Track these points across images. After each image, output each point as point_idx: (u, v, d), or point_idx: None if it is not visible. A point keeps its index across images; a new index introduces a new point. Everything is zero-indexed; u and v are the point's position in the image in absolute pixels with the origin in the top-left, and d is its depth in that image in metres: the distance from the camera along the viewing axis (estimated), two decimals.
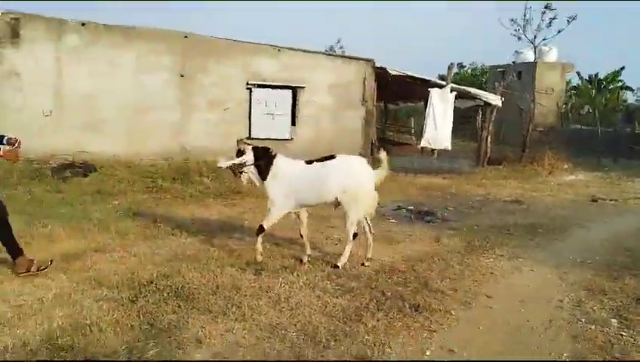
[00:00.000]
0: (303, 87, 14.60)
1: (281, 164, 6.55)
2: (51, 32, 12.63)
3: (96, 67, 13.00)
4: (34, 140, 12.35)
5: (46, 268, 5.75)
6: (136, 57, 13.30)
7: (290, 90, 14.52)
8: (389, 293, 5.61)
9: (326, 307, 5.19)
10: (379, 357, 4.19)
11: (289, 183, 6.46)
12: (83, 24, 12.83)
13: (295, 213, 6.80)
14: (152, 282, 5.57)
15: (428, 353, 4.32)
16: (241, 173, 6.69)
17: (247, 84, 14.11)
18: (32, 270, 5.67)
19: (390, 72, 15.33)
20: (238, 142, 6.75)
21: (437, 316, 5.05)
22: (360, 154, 14.85)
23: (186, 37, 13.58)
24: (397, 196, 11.71)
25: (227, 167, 6.74)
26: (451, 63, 16.82)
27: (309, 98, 14.75)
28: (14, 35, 12.38)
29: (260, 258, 6.49)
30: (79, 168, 12.14)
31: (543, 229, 8.95)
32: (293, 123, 14.69)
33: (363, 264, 6.59)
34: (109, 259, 6.44)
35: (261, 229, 6.55)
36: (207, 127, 13.99)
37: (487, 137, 17.20)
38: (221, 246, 7.19)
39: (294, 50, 14.51)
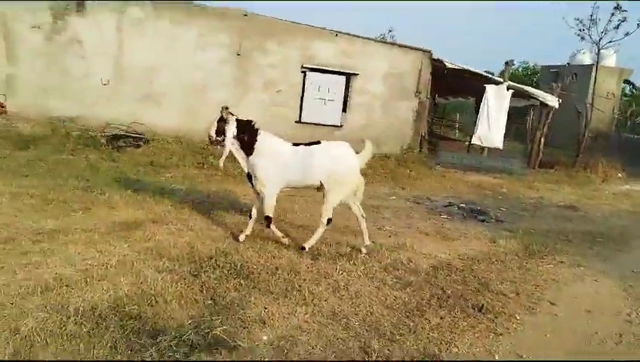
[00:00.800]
0: (357, 74, 14.42)
1: (267, 140, 6.32)
2: (115, 2, 12.77)
3: (156, 41, 13.12)
4: (91, 108, 12.65)
5: None
6: (196, 34, 13.36)
7: (344, 77, 14.36)
8: (450, 291, 5.49)
9: (386, 299, 5.11)
10: (446, 356, 4.08)
11: (275, 161, 6.26)
12: None
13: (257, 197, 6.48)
14: (211, 258, 5.60)
15: (497, 357, 4.19)
16: (221, 144, 6.33)
17: (302, 67, 14.03)
18: None
19: (447, 64, 14.97)
20: (222, 109, 6.34)
21: (501, 319, 4.91)
22: (409, 147, 14.79)
23: (245, 15, 13.55)
24: (447, 192, 11.50)
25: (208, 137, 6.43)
26: (509, 60, 16.35)
27: (362, 85, 14.56)
28: (79, 2, 12.58)
29: (286, 241, 6.39)
30: (132, 139, 12.33)
31: (603, 238, 8.62)
32: (344, 110, 14.54)
33: (360, 251, 6.39)
34: (167, 231, 6.49)
35: (268, 220, 6.41)
36: (259, 108, 13.96)
37: (540, 139, 16.69)
38: (277, 226, 7.14)
39: (351, 35, 14.32)
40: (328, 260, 5.98)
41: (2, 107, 5.86)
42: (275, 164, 6.23)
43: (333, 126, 14.42)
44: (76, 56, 12.72)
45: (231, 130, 6.30)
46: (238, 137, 6.32)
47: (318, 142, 6.39)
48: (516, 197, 11.96)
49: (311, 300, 4.84)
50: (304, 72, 14.10)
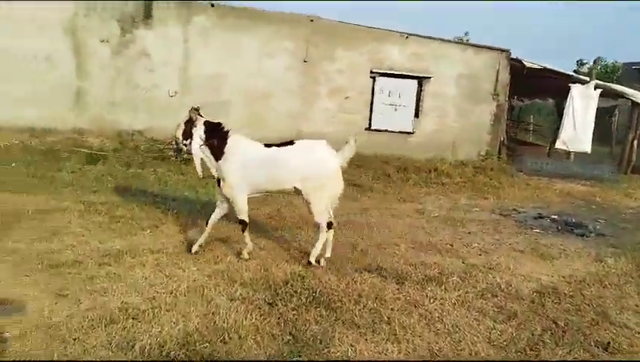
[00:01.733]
0: (430, 78, 13.65)
1: (236, 141, 5.69)
2: (181, 12, 12.66)
3: (221, 50, 12.92)
4: (159, 120, 12.54)
5: None
6: (260, 41, 13.05)
7: (416, 80, 13.62)
8: (563, 323, 4.67)
9: (490, 334, 4.37)
10: None
11: (246, 164, 5.60)
12: (212, 5, 12.74)
13: (222, 200, 5.89)
14: (287, 283, 5.05)
15: None
16: (185, 146, 5.77)
17: (371, 72, 13.41)
18: None
19: (526, 64, 13.92)
20: (190, 110, 5.79)
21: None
22: (487, 153, 13.82)
23: (312, 21, 13.11)
24: (535, 202, 10.49)
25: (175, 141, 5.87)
26: (597, 58, 15.07)
27: (435, 89, 13.77)
28: (147, 15, 12.55)
29: (246, 256, 5.73)
30: None
31: None
32: (416, 115, 13.78)
33: (318, 261, 5.68)
34: (237, 251, 6.02)
35: (244, 224, 5.80)
36: (326, 116, 13.48)
37: (632, 142, 15.22)
38: (351, 246, 6.57)
39: (423, 37, 13.59)
40: (416, 285, 5.29)
41: None
42: (243, 167, 5.60)
43: (405, 132, 13.70)
44: (144, 68, 12.68)
45: (198, 133, 5.70)
46: (207, 142, 5.70)
47: (291, 142, 5.71)
48: (613, 207, 10.77)
49: (403, 335, 4.18)
50: (373, 77, 13.47)
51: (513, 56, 13.96)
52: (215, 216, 5.96)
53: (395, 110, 13.62)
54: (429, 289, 5.18)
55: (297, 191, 5.66)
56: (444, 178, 11.78)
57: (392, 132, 13.62)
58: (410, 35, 13.51)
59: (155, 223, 6.84)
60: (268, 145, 5.70)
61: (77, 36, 12.31)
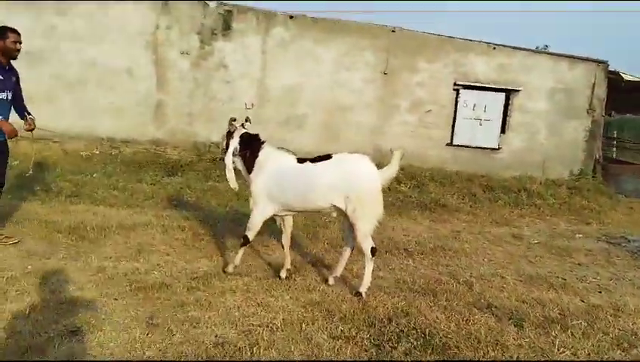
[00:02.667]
0: (518, 91, 12.79)
1: (269, 154, 5.33)
2: (260, 24, 12.48)
3: (299, 62, 12.63)
4: None
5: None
6: (339, 53, 12.67)
7: (503, 93, 12.80)
8: None
9: None
10: None
11: (275, 179, 5.15)
12: (291, 17, 12.50)
13: (280, 217, 5.49)
14: (391, 320, 4.52)
15: None
16: (221, 159, 5.59)
17: (455, 84, 12.72)
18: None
19: (624, 77, 12.81)
20: (229, 121, 5.59)
21: None
22: (580, 172, 12.78)
23: (393, 31, 12.61)
24: None
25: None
26: None
27: (524, 103, 12.89)
28: (226, 27, 12.46)
29: (231, 270, 5.38)
30: None
31: None
32: (503, 130, 12.94)
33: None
34: (320, 275, 5.59)
35: (245, 240, 5.42)
36: (405, 130, 12.90)
37: None
38: (451, 276, 5.95)
39: (512, 48, 12.76)
40: (537, 328, 4.62)
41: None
42: (271, 181, 5.18)
43: (490, 148, 12.88)
44: (221, 80, 12.58)
45: (233, 145, 5.43)
46: (240, 153, 5.42)
47: (329, 156, 5.15)
48: None
49: None
50: (457, 90, 12.77)
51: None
52: (285, 237, 5.61)
53: (480, 125, 12.84)
54: (554, 334, 4.50)
55: (338, 210, 5.14)
56: (536, 199, 10.89)
57: (476, 148, 12.85)
58: (498, 45, 12.73)
59: (240, 242, 6.47)
60: (302, 160, 5.27)
61: (158, 49, 12.36)
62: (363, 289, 5.06)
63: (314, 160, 5.22)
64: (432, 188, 10.87)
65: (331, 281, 5.34)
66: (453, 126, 12.87)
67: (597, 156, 13.13)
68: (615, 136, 22.00)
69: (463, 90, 12.73)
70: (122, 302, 4.53)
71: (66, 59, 12.17)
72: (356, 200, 4.94)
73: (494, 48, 12.74)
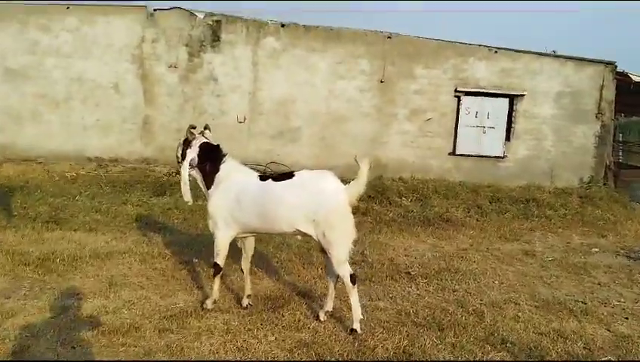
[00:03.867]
0: (522, 95, 12.20)
1: (230, 169, 4.84)
2: (251, 34, 11.98)
3: (291, 73, 12.10)
4: (227, 148, 11.75)
5: None
6: (334, 61, 12.15)
7: (507, 99, 12.21)
8: None
9: None
10: None
11: (235, 197, 4.60)
12: (283, 25, 11.98)
13: (241, 240, 4.98)
14: None
15: None
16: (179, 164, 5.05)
17: (456, 90, 12.15)
18: None
19: (633, 78, 12.22)
20: (187, 129, 5.05)
21: None
22: (591, 180, 12.15)
23: (389, 37, 12.07)
24: None
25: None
26: None
27: (529, 109, 12.30)
28: (215, 38, 11.95)
29: (210, 305, 4.81)
30: None
31: None
32: (508, 138, 12.33)
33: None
34: (312, 308, 4.97)
35: (217, 269, 4.87)
36: (404, 140, 12.32)
37: None
38: (459, 304, 5.32)
39: (514, 51, 12.19)
40: None
41: None
42: (231, 200, 4.63)
43: (495, 157, 12.28)
44: (211, 94, 12.05)
45: (191, 155, 4.90)
46: (199, 165, 4.90)
47: (291, 174, 4.60)
48: None
49: None
50: (458, 97, 12.20)
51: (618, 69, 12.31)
52: (245, 261, 5.10)
53: (484, 132, 12.25)
54: None
55: (302, 235, 4.58)
56: (546, 209, 10.24)
57: (480, 157, 12.25)
58: (500, 48, 12.17)
59: (226, 272, 5.86)
60: (264, 177, 4.75)
61: (145, 63, 11.86)
62: (356, 325, 4.46)
63: (276, 178, 4.69)
64: (435, 202, 10.25)
65: (322, 317, 4.73)
66: (455, 134, 12.29)
67: (607, 162, 12.51)
68: (621, 139, 21.36)
69: (465, 97, 12.17)
70: (80, 351, 3.93)
71: (51, 75, 11.72)
72: (324, 223, 4.37)
73: (496, 52, 12.18)
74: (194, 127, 5.12)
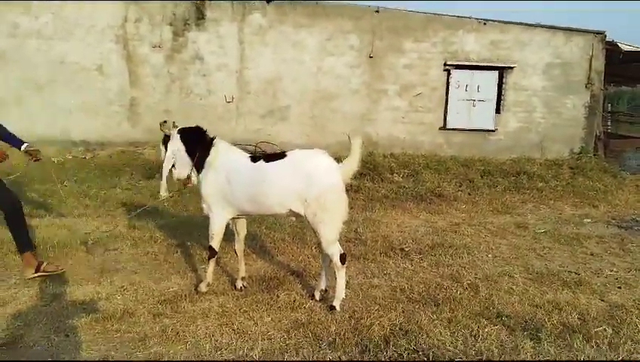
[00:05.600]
0: (512, 68, 12.15)
1: (221, 150, 4.74)
2: (236, 11, 11.75)
3: (279, 50, 11.93)
4: (216, 128, 11.59)
5: (55, 272, 5.07)
6: (321, 38, 11.98)
7: (497, 72, 12.15)
8: None
9: None
10: None
11: (226, 179, 4.55)
12: (268, 1, 11.76)
13: (232, 221, 4.92)
14: (387, 342, 3.88)
15: None
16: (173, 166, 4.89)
17: (445, 64, 12.06)
18: (41, 270, 5.03)
19: (622, 47, 12.18)
20: (160, 125, 4.92)
21: None
22: (581, 151, 12.18)
23: (377, 11, 11.90)
24: None
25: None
26: None
27: (519, 81, 12.25)
28: (199, 16, 11.71)
29: (204, 289, 4.78)
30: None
31: None
32: (498, 111, 12.30)
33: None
34: (307, 287, 4.95)
35: (212, 252, 4.83)
36: (395, 116, 12.25)
37: None
38: (453, 279, 5.31)
39: (504, 23, 12.08)
40: (556, 339, 4.01)
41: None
42: (224, 182, 4.56)
43: (485, 131, 12.26)
44: (197, 73, 11.86)
45: (173, 147, 4.80)
46: (188, 151, 4.78)
47: (283, 154, 4.50)
48: None
49: None
50: (447, 70, 12.11)
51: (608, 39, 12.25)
52: (238, 243, 5.06)
53: (474, 106, 12.20)
54: (576, 346, 3.90)
55: (295, 216, 4.53)
56: (537, 181, 10.27)
57: (471, 130, 12.23)
58: (489, 20, 12.05)
59: (224, 252, 5.82)
60: (255, 158, 4.66)
61: (129, 44, 11.61)
62: (336, 303, 4.45)
63: (267, 158, 4.61)
64: (426, 177, 10.23)
65: (317, 296, 4.71)
66: (445, 109, 12.24)
67: (597, 132, 12.54)
68: (610, 109, 21.46)
69: (454, 71, 12.09)
70: (74, 339, 3.88)
71: (33, 58, 11.45)
72: (315, 203, 4.29)
73: (485, 24, 12.07)
74: (165, 122, 4.97)
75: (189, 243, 6.26)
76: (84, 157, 11.31)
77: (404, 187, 9.87)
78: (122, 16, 11.53)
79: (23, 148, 5.30)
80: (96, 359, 3.26)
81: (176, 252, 5.98)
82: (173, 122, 4.97)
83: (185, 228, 6.93)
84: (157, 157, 5.17)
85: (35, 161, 5.39)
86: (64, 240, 6.20)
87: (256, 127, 11.78)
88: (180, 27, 11.67)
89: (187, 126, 4.94)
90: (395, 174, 10.57)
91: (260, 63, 11.89)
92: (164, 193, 4.97)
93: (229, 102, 11.90)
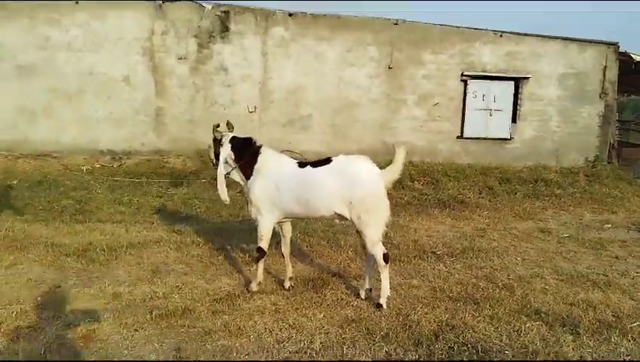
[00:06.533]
0: (527, 78, 12.45)
1: (268, 158, 5.06)
2: (259, 24, 12.10)
3: (301, 61, 12.25)
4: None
5: None
6: (342, 49, 12.31)
7: (512, 82, 12.45)
8: None
9: None
10: None
11: (275, 184, 4.83)
12: (290, 14, 12.11)
13: (278, 224, 5.20)
14: (437, 336, 4.16)
15: None
16: (215, 166, 5.28)
17: (462, 75, 12.37)
18: None
19: (635, 57, 12.48)
20: (213, 128, 5.30)
21: None
22: (596, 159, 12.43)
23: (396, 24, 12.24)
24: None
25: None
26: None
27: (534, 91, 12.55)
28: (224, 28, 12.06)
29: (255, 288, 5.06)
30: None
31: None
32: (514, 120, 12.59)
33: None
34: (350, 287, 5.22)
35: (261, 253, 5.11)
36: (413, 125, 12.55)
37: None
38: (488, 280, 5.58)
39: (519, 35, 12.40)
40: (594, 335, 4.27)
41: None
42: (271, 187, 4.86)
43: (502, 139, 12.54)
44: (222, 84, 12.20)
45: (225, 152, 5.15)
46: (236, 160, 5.13)
47: (328, 160, 4.78)
48: None
49: None
50: (465, 81, 12.42)
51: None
52: (284, 245, 5.35)
53: (490, 115, 12.49)
54: (614, 341, 4.15)
55: (340, 218, 4.80)
56: (555, 188, 10.54)
57: (488, 139, 12.51)
58: (504, 32, 12.37)
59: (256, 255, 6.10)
60: (302, 164, 4.94)
61: (155, 55, 11.97)
62: (383, 301, 4.74)
63: (314, 164, 4.88)
64: (447, 184, 10.52)
65: (363, 295, 4.98)
66: (462, 118, 12.53)
67: (611, 141, 12.80)
68: (617, 118, 21.75)
69: (471, 81, 12.39)
70: (144, 333, 4.16)
71: (63, 70, 11.80)
72: (360, 206, 4.59)
73: (501, 36, 12.38)
74: (218, 125, 5.33)
75: (229, 247, 6.53)
76: (112, 166, 11.63)
77: (426, 194, 10.16)
78: (149, 29, 11.89)
79: None
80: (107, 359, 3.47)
81: (220, 255, 6.25)
82: (227, 125, 5.31)
83: (222, 233, 7.21)
84: (209, 155, 5.50)
85: None
86: (111, 244, 6.49)
87: (279, 136, 12.08)
88: (205, 40, 12.02)
89: (239, 136, 5.25)
90: (415, 182, 10.85)
91: (282, 74, 12.22)
92: (225, 197, 5.24)
93: (251, 111, 12.22)
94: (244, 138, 5.26)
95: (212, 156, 5.39)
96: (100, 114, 11.94)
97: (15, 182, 9.91)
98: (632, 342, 4.14)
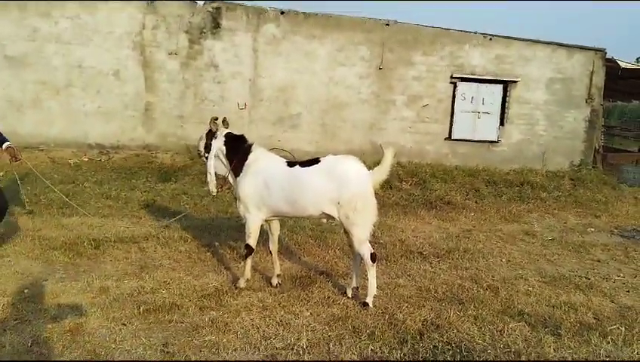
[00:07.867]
0: (516, 82, 12.58)
1: (259, 156, 5.10)
2: (251, 21, 12.10)
3: (291, 59, 12.28)
4: None
5: None
6: (333, 48, 12.35)
7: (501, 85, 12.58)
8: None
9: None
10: None
11: (264, 183, 4.89)
12: (282, 12, 12.12)
13: (267, 222, 5.27)
14: (422, 335, 4.22)
15: None
16: (206, 158, 5.34)
17: (452, 77, 12.47)
18: None
19: (621, 64, 12.67)
20: (211, 120, 5.35)
21: None
22: (581, 163, 12.61)
23: (387, 25, 12.30)
24: None
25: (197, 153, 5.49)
26: None
27: (522, 94, 12.70)
28: (215, 25, 12.05)
29: (243, 284, 5.12)
30: None
31: None
32: (502, 123, 12.73)
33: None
34: (337, 285, 5.28)
35: (249, 250, 5.14)
36: (402, 126, 12.64)
37: None
38: (473, 281, 5.68)
39: (509, 38, 12.54)
40: (574, 336, 4.35)
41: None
42: (260, 185, 4.91)
43: (489, 141, 12.68)
44: (212, 80, 12.18)
45: (216, 146, 5.20)
46: (227, 155, 5.18)
47: (317, 160, 4.85)
48: None
49: None
50: (454, 83, 12.53)
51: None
52: (272, 242, 5.40)
53: (479, 117, 12.62)
54: (594, 342, 4.24)
55: (328, 217, 4.86)
56: (540, 191, 10.68)
57: (475, 141, 12.63)
58: (494, 35, 12.50)
59: (244, 252, 6.13)
60: (291, 163, 4.98)
61: (145, 50, 11.92)
62: (369, 299, 4.80)
63: (303, 163, 4.92)
64: (434, 185, 10.60)
65: (349, 294, 5.04)
66: (451, 120, 12.63)
67: (597, 146, 12.99)
68: (603, 123, 22.07)
69: (460, 83, 12.50)
70: (132, 328, 4.18)
71: (51, 63, 11.71)
72: (348, 206, 4.64)
73: (491, 39, 12.51)
74: (216, 118, 5.38)
75: (217, 244, 6.55)
76: (100, 160, 11.57)
77: (414, 194, 10.24)
78: (140, 24, 11.83)
79: (4, 146, 5.58)
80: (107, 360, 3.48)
81: (208, 251, 6.28)
82: (223, 121, 5.35)
83: (210, 229, 7.23)
84: (198, 145, 5.54)
85: (15, 160, 5.69)
86: (98, 238, 6.48)
87: (268, 133, 12.09)
88: (196, 35, 11.99)
89: (233, 133, 5.29)
90: (403, 182, 10.92)
91: (272, 72, 12.23)
92: (213, 189, 5.29)
93: (241, 108, 12.23)
94: (238, 135, 5.30)
95: (201, 148, 5.43)
96: (88, 107, 11.87)
97: (1, 174, 9.81)
98: (611, 344, 4.23)
